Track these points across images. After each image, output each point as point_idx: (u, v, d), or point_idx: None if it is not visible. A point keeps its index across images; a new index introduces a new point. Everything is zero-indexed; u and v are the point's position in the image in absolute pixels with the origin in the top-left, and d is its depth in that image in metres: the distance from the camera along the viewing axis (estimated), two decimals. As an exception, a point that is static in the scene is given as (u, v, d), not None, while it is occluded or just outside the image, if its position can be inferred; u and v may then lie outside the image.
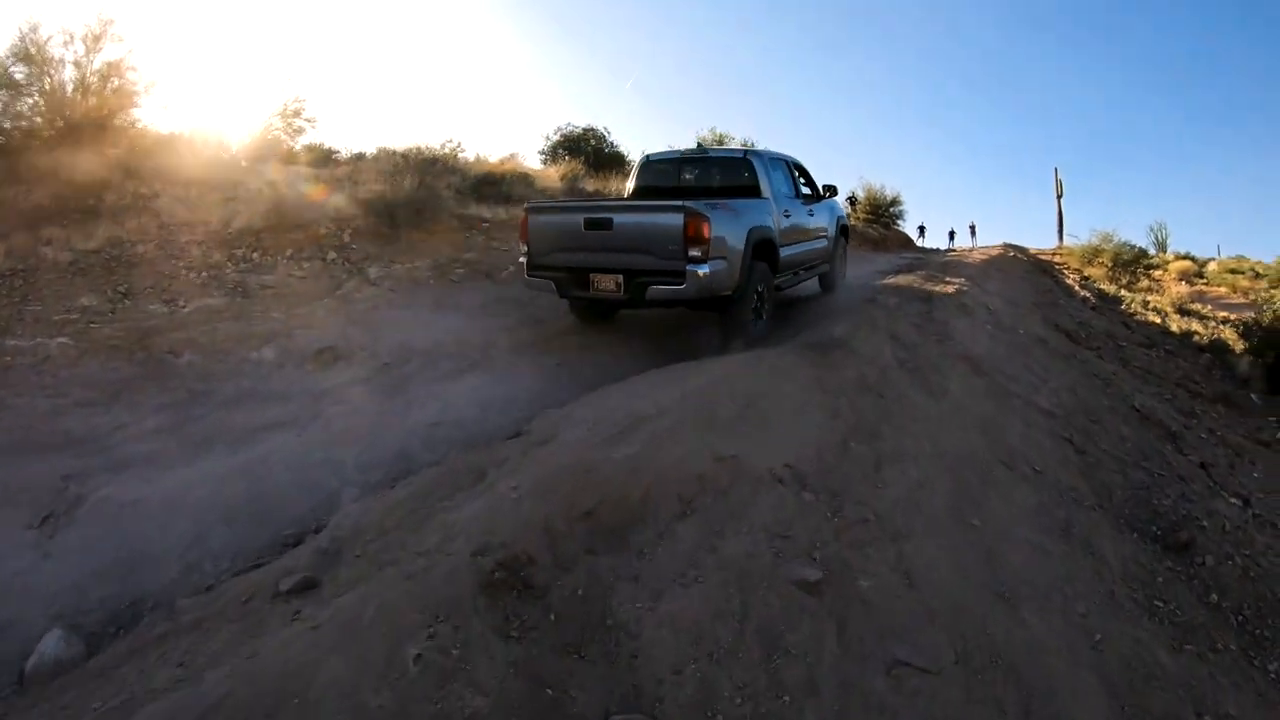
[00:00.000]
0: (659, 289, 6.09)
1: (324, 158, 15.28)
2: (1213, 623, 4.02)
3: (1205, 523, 4.88)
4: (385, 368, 6.86)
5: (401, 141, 15.63)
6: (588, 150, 19.14)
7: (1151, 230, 27.46)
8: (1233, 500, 5.78)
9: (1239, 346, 11.56)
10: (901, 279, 10.98)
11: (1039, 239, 46.92)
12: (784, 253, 7.43)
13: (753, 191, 7.51)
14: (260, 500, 4.69)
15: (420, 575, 2.94)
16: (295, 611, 2.99)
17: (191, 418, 5.82)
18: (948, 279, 10.83)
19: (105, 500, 4.50)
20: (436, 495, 3.90)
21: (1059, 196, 33.12)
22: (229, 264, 8.85)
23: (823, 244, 9.18)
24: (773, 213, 7.31)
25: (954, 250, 29.13)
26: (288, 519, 4.50)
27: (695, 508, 3.22)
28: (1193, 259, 25.79)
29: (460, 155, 15.71)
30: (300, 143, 15.56)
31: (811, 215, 8.72)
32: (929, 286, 9.59)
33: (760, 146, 14.49)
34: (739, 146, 14.62)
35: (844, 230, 10.54)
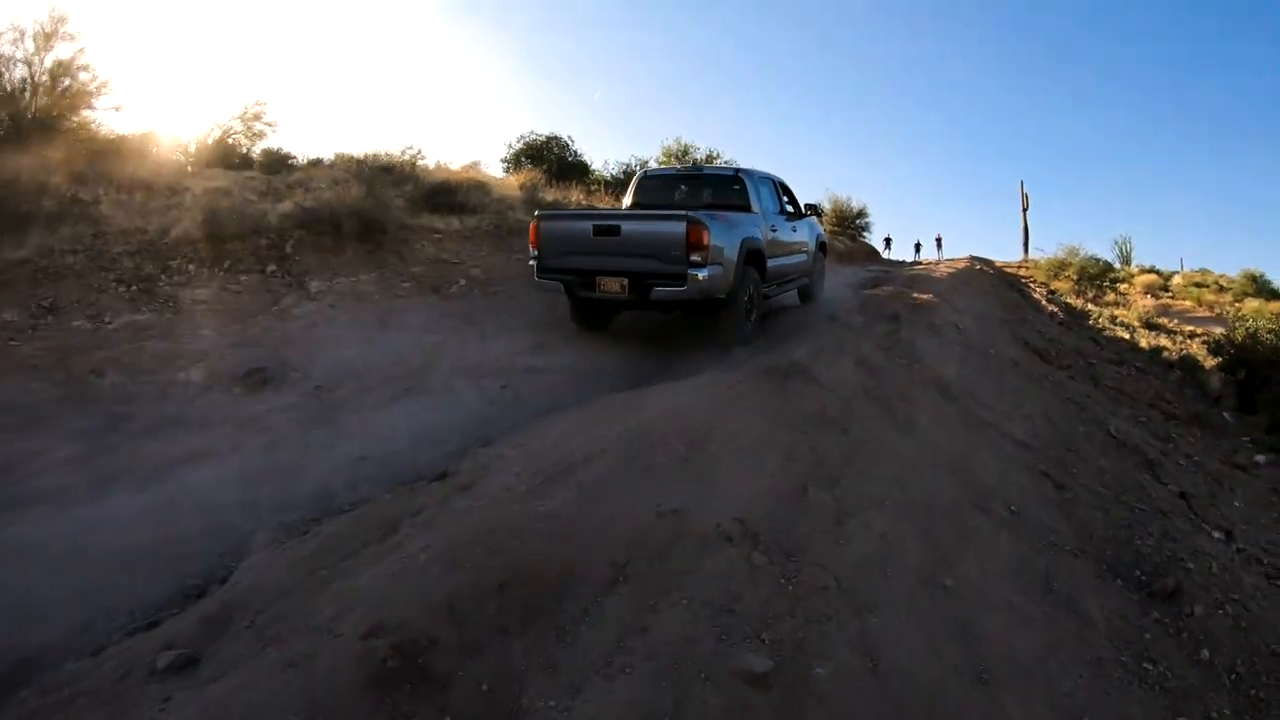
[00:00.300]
0: (662, 290, 6.61)
1: (279, 163, 14.72)
2: (1206, 684, 3.63)
3: (1190, 564, 4.52)
4: (316, 392, 6.36)
5: (363, 148, 15.08)
6: (550, 159, 18.72)
7: (1116, 244, 27.62)
8: (1216, 534, 5.45)
9: (1209, 363, 11.35)
10: (868, 294, 10.63)
11: (1005, 252, 47.17)
12: (770, 263, 8.03)
13: (743, 206, 8.08)
14: (167, 545, 4.22)
15: (303, 663, 2.49)
16: (166, 698, 2.57)
17: (107, 447, 5.34)
18: (915, 294, 10.51)
19: (6, 542, 4.03)
20: (342, 551, 3.43)
21: (1024, 210, 33.22)
22: (162, 276, 8.31)
23: (804, 258, 9.87)
24: (761, 226, 7.89)
25: (920, 263, 28.97)
26: (194, 567, 4.03)
27: (628, 576, 2.77)
28: (1157, 272, 25.87)
29: (420, 163, 15.28)
30: (260, 147, 15.11)
31: (795, 231, 9.39)
32: (896, 303, 9.24)
33: (737, 161, 15.08)
34: (724, 164, 14.63)
35: (822, 246, 11.37)
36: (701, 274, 6.45)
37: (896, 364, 5.95)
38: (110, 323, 7.27)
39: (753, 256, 7.40)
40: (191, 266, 8.67)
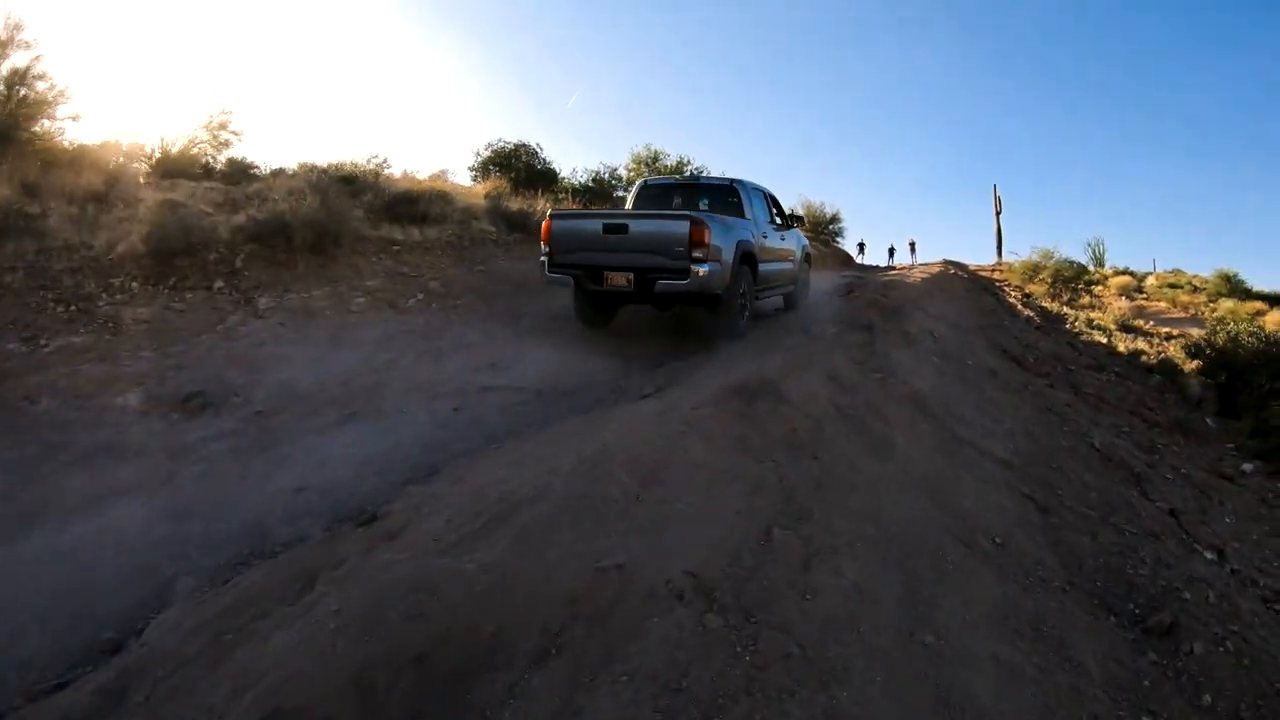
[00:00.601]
0: (666, 283, 7.10)
1: (242, 173, 14.24)
2: (1211, 733, 3.32)
3: (1187, 594, 4.21)
4: (258, 417, 5.94)
5: (331, 157, 14.62)
6: (519, 166, 18.32)
7: (1089, 246, 27.49)
8: (1209, 555, 5.15)
9: (1188, 366, 11.13)
10: (842, 301, 10.34)
11: (978, 255, 47.24)
12: (760, 267, 8.47)
13: (737, 213, 8.57)
14: (87, 590, 3.87)
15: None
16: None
17: (35, 478, 4.96)
18: (889, 301, 10.23)
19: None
20: (255, 610, 3.04)
21: (998, 213, 33.15)
22: (103, 295, 7.86)
23: (790, 266, 10.34)
24: (754, 231, 8.42)
25: (894, 268, 28.80)
26: (113, 616, 3.65)
27: (563, 644, 2.39)
28: (1131, 274, 25.78)
29: (386, 172, 14.83)
30: (225, 156, 14.62)
31: (783, 240, 9.95)
32: (870, 311, 8.93)
33: (708, 168, 15.69)
34: (717, 175, 14.67)
35: (807, 256, 11.81)
36: (702, 269, 6.97)
37: (870, 378, 5.62)
38: (46, 345, 6.84)
39: (746, 258, 7.88)
40: (135, 284, 8.22)
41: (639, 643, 2.39)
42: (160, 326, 7.50)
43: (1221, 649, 3.77)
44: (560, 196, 16.70)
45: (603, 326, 8.71)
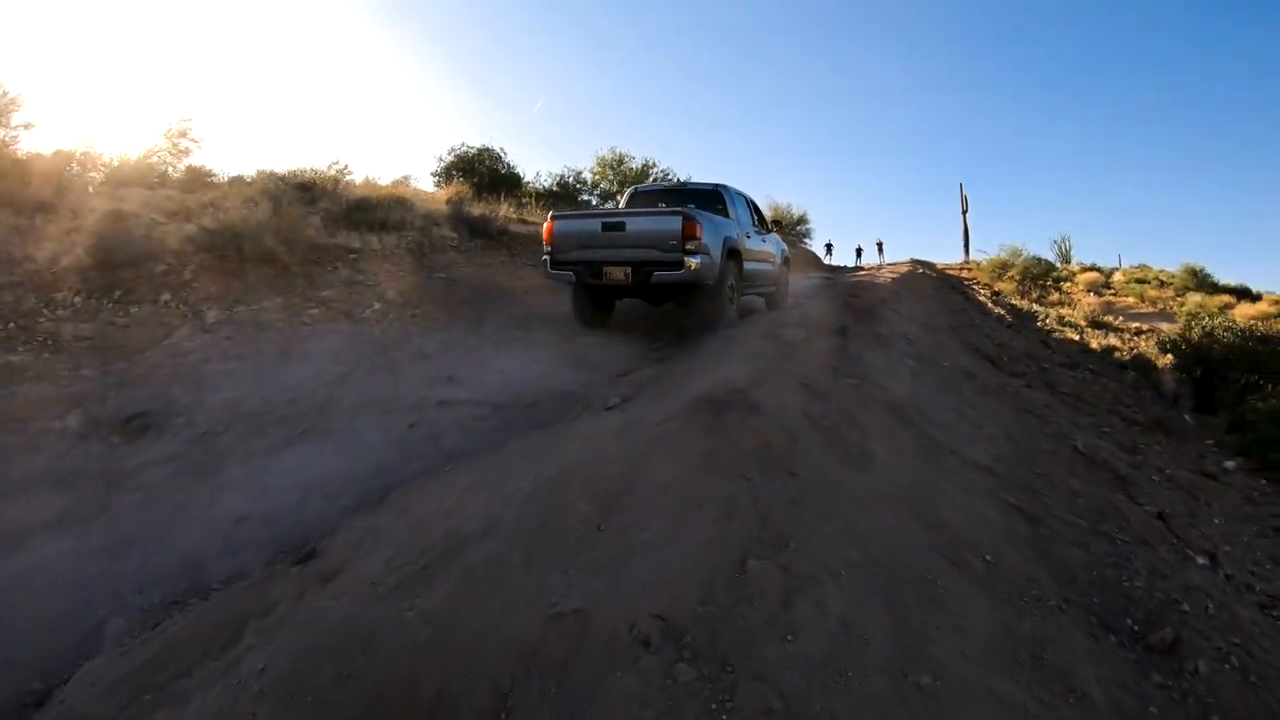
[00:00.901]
0: (661, 274, 7.62)
1: (199, 181, 13.73)
2: (1222, 762, 3.09)
3: (1186, 605, 3.99)
4: (202, 439, 5.57)
5: (292, 164, 14.20)
6: (482, 171, 17.97)
7: (1055, 243, 27.61)
8: (1201, 560, 4.96)
9: (1162, 361, 11.04)
10: (811, 304, 10.12)
11: (945, 254, 47.49)
12: (745, 265, 9.08)
13: (723, 215, 9.06)
14: (12, 634, 3.54)
15: None
16: None
17: (-35, 511, 4.57)
18: (861, 302, 10.03)
19: None
20: (178, 664, 2.75)
21: (964, 212, 33.24)
22: (44, 310, 7.42)
23: (770, 267, 10.83)
24: (738, 230, 9.02)
25: (862, 268, 28.69)
26: (40, 663, 3.35)
27: (514, 706, 2.09)
28: (1099, 269, 25.86)
29: (348, 178, 14.41)
30: (185, 164, 14.10)
31: (764, 242, 10.52)
32: (842, 313, 8.71)
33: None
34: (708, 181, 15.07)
35: (786, 260, 12.34)
36: (694, 261, 7.51)
37: (845, 384, 5.36)
38: (-19, 365, 6.43)
39: (733, 253, 8.48)
40: (78, 298, 7.79)
41: (601, 700, 2.09)
42: (103, 343, 7.10)
43: (1227, 665, 3.56)
44: (524, 201, 16.36)
45: (600, 325, 9.13)
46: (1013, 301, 17.44)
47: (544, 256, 8.44)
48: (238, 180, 14.01)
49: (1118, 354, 11.89)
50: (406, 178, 19.82)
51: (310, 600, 2.70)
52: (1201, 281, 22.12)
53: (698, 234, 7.55)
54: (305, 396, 6.06)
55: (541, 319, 9.19)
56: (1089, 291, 21.26)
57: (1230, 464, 7.20)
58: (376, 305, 8.50)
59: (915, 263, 28.54)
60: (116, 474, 5.11)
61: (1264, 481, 7.07)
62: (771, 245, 11.09)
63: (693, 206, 8.93)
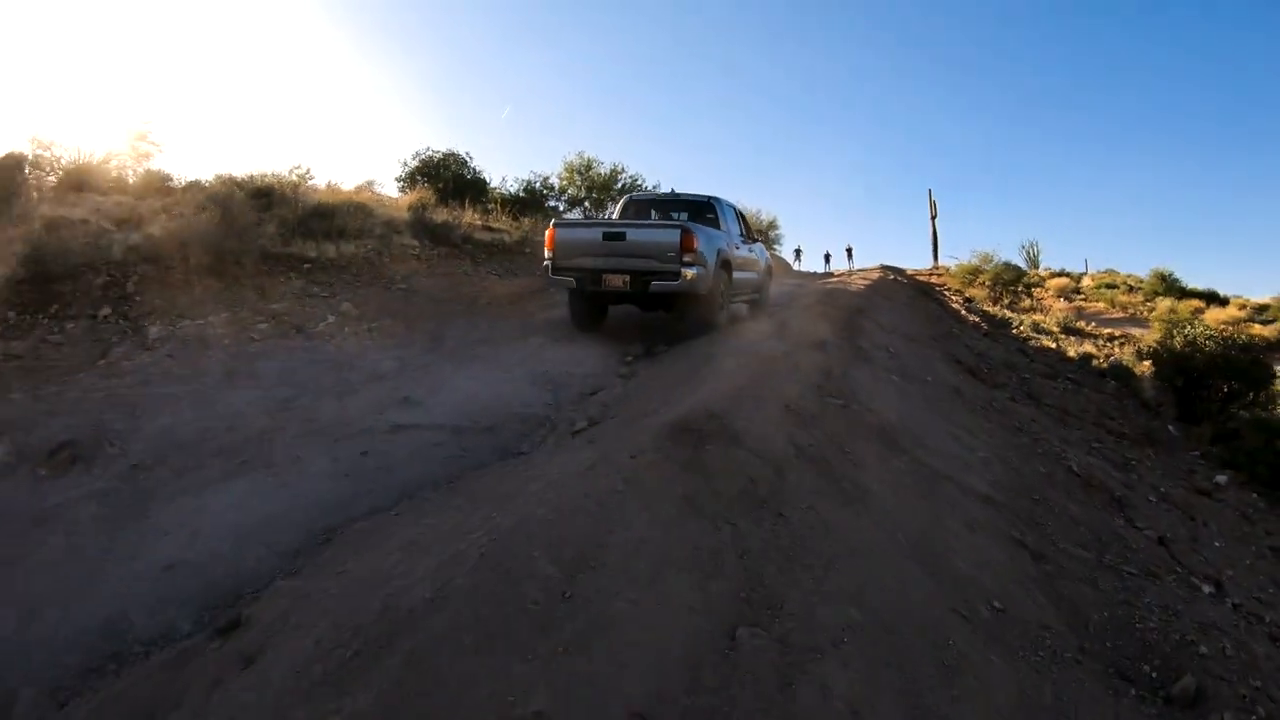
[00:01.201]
0: (659, 284, 7.91)
1: (156, 186, 13.07)
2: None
3: (1202, 647, 3.70)
4: (133, 472, 5.06)
5: (250, 168, 13.58)
6: (447, 176, 17.46)
7: (1024, 248, 27.61)
8: (1208, 589, 4.68)
9: (1141, 369, 10.86)
10: (788, 314, 9.79)
11: (914, 259, 47.71)
12: (734, 274, 9.40)
13: (714, 225, 9.32)
14: None
15: None
16: None
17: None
18: (838, 312, 9.73)
19: None
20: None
21: (933, 217, 33.17)
22: (-27, 328, 6.92)
23: (755, 275, 11.17)
24: (729, 241, 9.29)
25: (832, 274, 28.45)
26: None
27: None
28: (1067, 274, 25.85)
29: (310, 183, 13.86)
30: (145, 168, 13.42)
31: (750, 251, 10.84)
32: (819, 325, 8.37)
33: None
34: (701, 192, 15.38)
35: (768, 269, 12.65)
36: (690, 272, 7.82)
37: (830, 406, 5.00)
38: (-99, 392, 5.93)
39: (724, 264, 8.82)
40: (11, 313, 7.26)
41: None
42: (34, 363, 6.58)
43: (1253, 718, 3.25)
44: (490, 207, 15.89)
45: (595, 329, 9.33)
46: (985, 308, 17.27)
47: (545, 262, 8.67)
48: (194, 185, 13.40)
49: (1095, 362, 11.72)
50: (371, 183, 19.29)
51: (225, 691, 2.28)
52: (1170, 286, 22.12)
53: (695, 246, 7.87)
54: (247, 423, 5.58)
55: (505, 332, 8.76)
56: (1059, 297, 21.20)
57: (1222, 479, 6.97)
58: (331, 319, 8.02)
59: (885, 268, 28.45)
60: (41, 514, 4.61)
61: (1255, 495, 6.88)
62: (757, 254, 11.50)
63: (685, 216, 9.69)
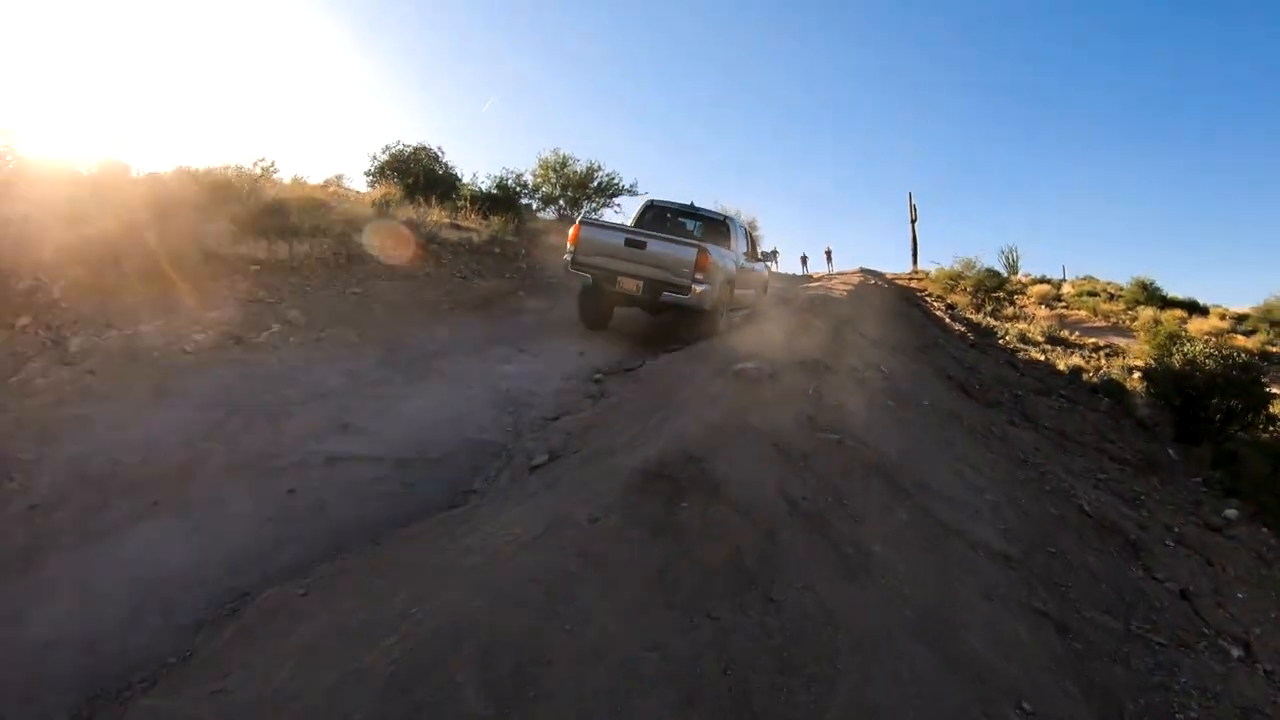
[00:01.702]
0: (670, 295, 8.42)
1: (114, 178, 12.19)
2: None
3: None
4: (30, 513, 4.37)
5: (211, 160, 12.74)
6: (418, 171, 16.68)
7: (1003, 253, 27.31)
8: (1236, 652, 4.18)
9: (1133, 385, 10.42)
10: (771, 326, 9.25)
11: (891, 262, 47.48)
12: (735, 291, 9.95)
13: (725, 243, 9.91)
14: None
15: None
16: None
17: None
18: (822, 323, 9.22)
19: None
20: None
21: (913, 221, 32.81)
22: (-126, 344, 6.19)
23: (753, 292, 11.69)
24: (736, 261, 9.90)
25: (810, 277, 27.87)
26: None
27: None
28: (1048, 281, 25.50)
29: (274, 176, 13.06)
30: (102, 159, 12.53)
31: (753, 270, 11.48)
32: (806, 339, 7.83)
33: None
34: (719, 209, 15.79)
35: (764, 286, 13.26)
36: (700, 288, 8.33)
37: (823, 441, 4.42)
38: None
39: (729, 281, 9.39)
40: (-80, 326, 6.54)
41: None
42: (-63, 380, 5.89)
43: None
44: (459, 205, 15.18)
45: (602, 328, 9.81)
46: (969, 315, 16.83)
47: (566, 256, 9.08)
48: (153, 178, 12.56)
49: (1086, 376, 11.27)
50: (339, 177, 18.50)
51: None
52: (1151, 295, 21.79)
53: (707, 266, 8.37)
54: (166, 453, 4.90)
55: (466, 342, 8.09)
56: (1041, 305, 20.81)
57: (1231, 513, 6.51)
58: (275, 327, 7.33)
59: (865, 272, 28.08)
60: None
61: (1265, 530, 6.43)
62: (758, 271, 12.20)
63: (698, 227, 10.65)
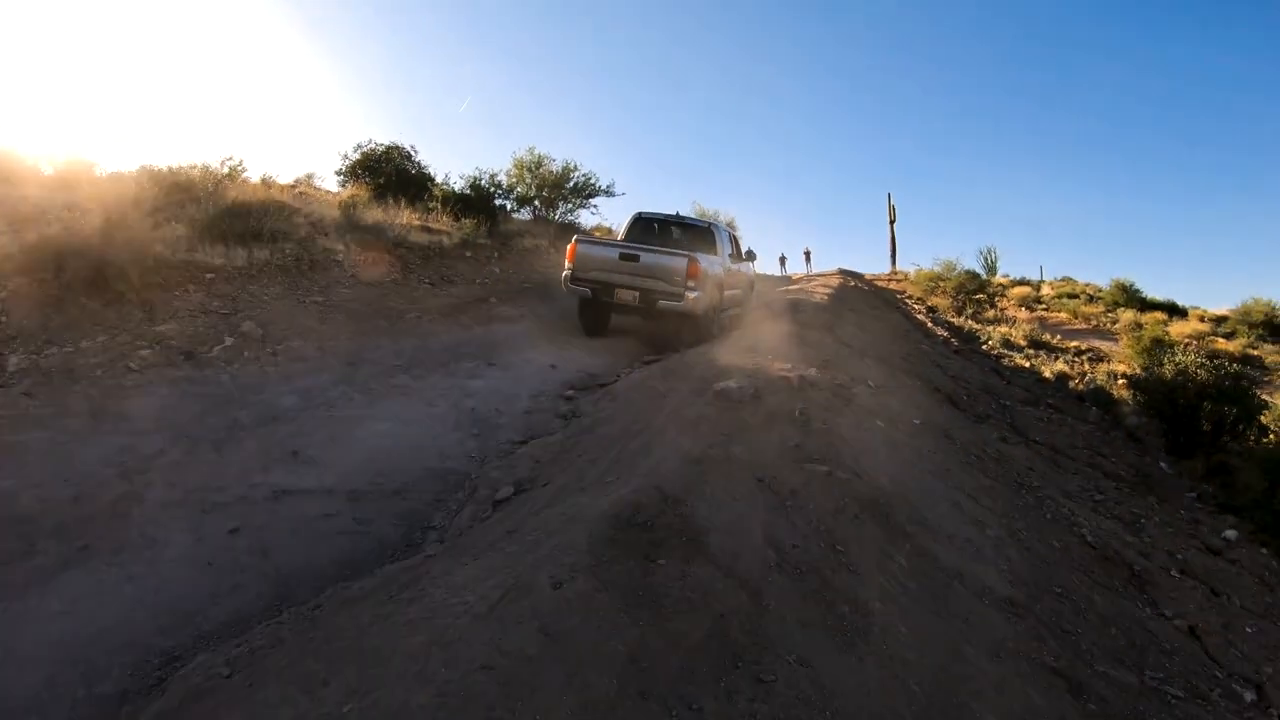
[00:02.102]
0: (665, 303, 9.01)
1: (76, 177, 11.59)
2: None
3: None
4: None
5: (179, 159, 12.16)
6: (390, 171, 16.17)
7: (981, 254, 27.19)
8: (1249, 695, 3.92)
9: (1120, 392, 10.22)
10: (754, 338, 9.00)
11: (871, 263, 47.53)
12: (725, 293, 10.66)
13: (711, 249, 10.54)
14: None
15: None
16: None
17: None
18: (807, 332, 9.02)
19: None
20: None
21: (892, 222, 32.65)
22: None
23: (739, 292, 12.29)
24: (723, 266, 10.58)
25: (789, 278, 27.59)
26: None
27: None
28: (1028, 283, 25.35)
29: (242, 175, 12.53)
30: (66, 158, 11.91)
31: (739, 271, 12.12)
32: (787, 348, 7.55)
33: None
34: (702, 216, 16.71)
35: (751, 285, 13.93)
36: (692, 295, 8.94)
37: (813, 475, 4.10)
38: None
39: (718, 285, 10.02)
40: None
41: None
42: None
43: None
44: (430, 206, 14.74)
45: (601, 334, 10.37)
46: (951, 320, 16.62)
47: (565, 273, 9.70)
48: (117, 178, 11.96)
49: (1073, 383, 11.07)
50: (310, 177, 18.02)
51: None
52: (1131, 297, 21.63)
53: (698, 274, 8.98)
54: (100, 486, 4.47)
55: (432, 356, 7.66)
56: (1022, 307, 20.63)
57: (1230, 534, 6.30)
58: (228, 341, 6.88)
59: (844, 274, 27.95)
60: None
61: (1264, 551, 6.21)
62: (744, 271, 12.79)
63: (682, 233, 11.10)
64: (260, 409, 5.75)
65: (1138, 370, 9.98)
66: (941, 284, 20.17)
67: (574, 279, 9.57)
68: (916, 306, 18.59)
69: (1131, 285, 21.79)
